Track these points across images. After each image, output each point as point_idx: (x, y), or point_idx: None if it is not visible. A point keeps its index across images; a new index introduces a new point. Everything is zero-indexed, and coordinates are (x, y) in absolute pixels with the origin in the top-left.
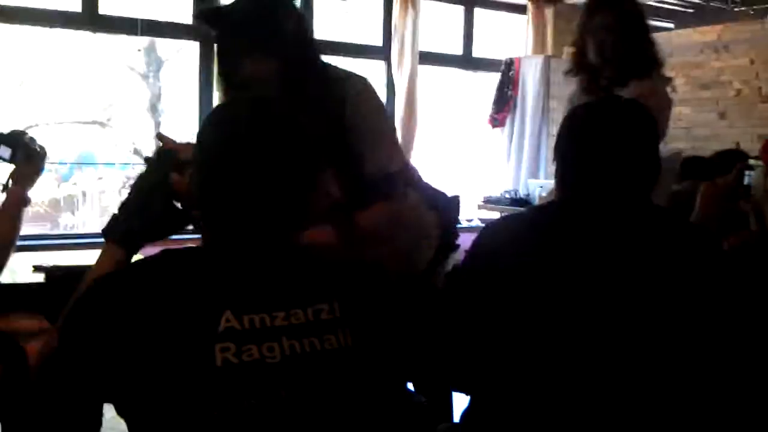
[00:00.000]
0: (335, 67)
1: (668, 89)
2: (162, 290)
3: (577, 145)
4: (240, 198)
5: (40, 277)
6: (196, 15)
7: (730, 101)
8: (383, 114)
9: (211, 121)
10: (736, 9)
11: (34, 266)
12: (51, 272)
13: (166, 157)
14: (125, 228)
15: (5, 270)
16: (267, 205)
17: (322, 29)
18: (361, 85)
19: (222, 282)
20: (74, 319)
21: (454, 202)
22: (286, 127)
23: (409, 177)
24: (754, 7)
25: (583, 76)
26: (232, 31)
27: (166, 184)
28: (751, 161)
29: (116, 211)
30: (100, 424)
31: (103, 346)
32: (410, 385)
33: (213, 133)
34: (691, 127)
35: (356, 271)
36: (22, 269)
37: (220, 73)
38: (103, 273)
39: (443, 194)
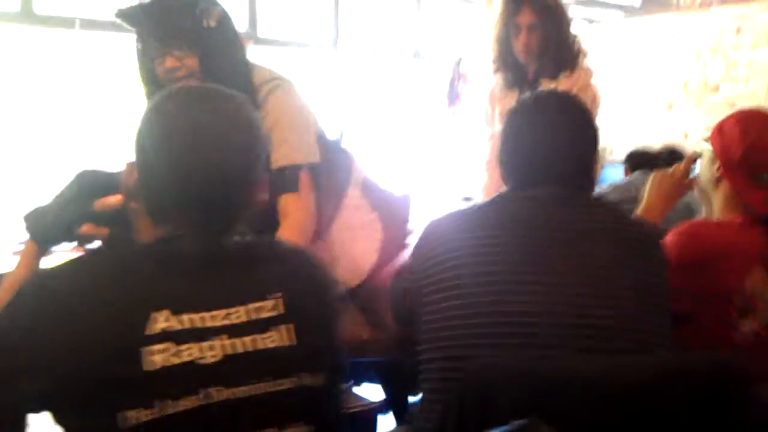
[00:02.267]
0: (261, 69)
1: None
2: (97, 290)
3: (521, 138)
4: (180, 194)
5: None
6: (117, 13)
7: (678, 92)
8: (295, 112)
9: (149, 116)
10: (682, 1)
11: None
12: None
13: (91, 178)
14: (38, 225)
15: None
16: (208, 202)
17: (269, 23)
18: (277, 85)
19: (158, 282)
20: (3, 324)
21: (404, 201)
22: (226, 119)
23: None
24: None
25: (508, 72)
26: (153, 26)
27: (83, 204)
28: (703, 143)
29: (38, 207)
30: None
31: (33, 352)
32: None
33: (151, 127)
34: (639, 117)
35: (299, 267)
36: None
37: (141, 70)
38: (21, 269)
39: (391, 194)
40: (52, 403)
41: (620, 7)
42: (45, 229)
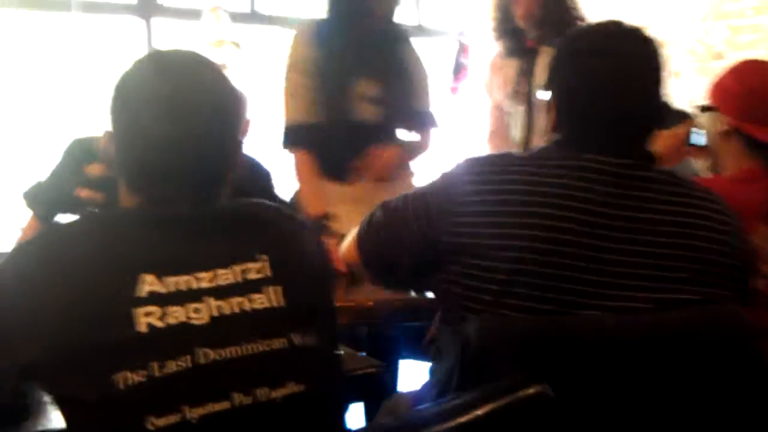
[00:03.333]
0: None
1: None
2: (82, 255)
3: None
4: (162, 156)
5: None
6: None
7: (683, 59)
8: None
9: (123, 82)
10: None
11: None
12: None
13: (78, 147)
14: (40, 201)
15: None
16: (191, 163)
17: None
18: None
19: (144, 245)
20: None
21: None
22: (202, 84)
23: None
24: None
25: (507, 38)
26: None
27: (78, 172)
28: (699, 112)
29: (38, 183)
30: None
31: (24, 317)
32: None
33: (126, 95)
34: None
35: (285, 229)
36: None
37: None
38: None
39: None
40: (43, 370)
41: None
42: (45, 203)
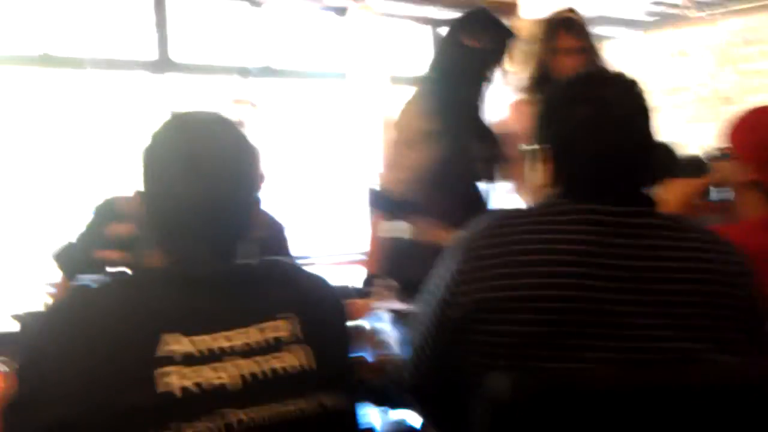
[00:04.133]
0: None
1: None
2: (108, 316)
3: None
4: (185, 215)
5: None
6: None
7: (692, 105)
8: None
9: (150, 144)
10: (691, 15)
11: (12, 315)
12: (25, 320)
13: (105, 207)
14: (71, 263)
15: None
16: (219, 222)
17: (288, 56)
18: None
19: (169, 305)
20: (26, 356)
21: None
22: (225, 144)
23: None
24: (709, 12)
25: (540, 89)
26: None
27: (99, 233)
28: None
29: (69, 244)
30: None
31: (50, 379)
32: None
33: (153, 156)
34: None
35: (311, 289)
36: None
37: None
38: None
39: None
40: (70, 430)
41: (630, 23)
42: (75, 264)
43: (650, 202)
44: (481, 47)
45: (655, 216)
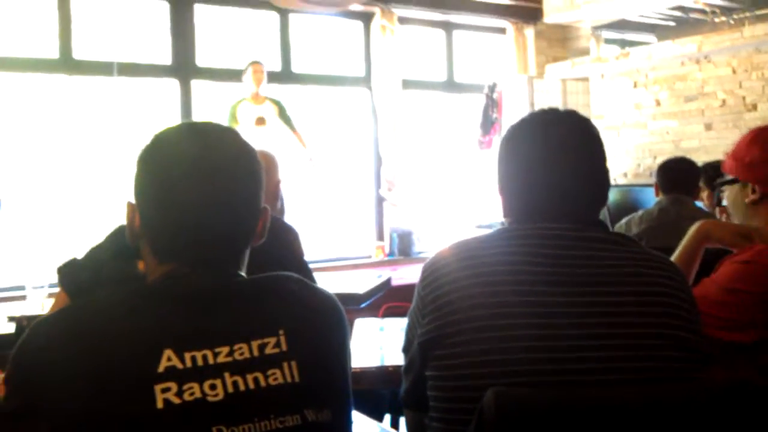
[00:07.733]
0: None
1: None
2: (108, 330)
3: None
4: (183, 232)
5: (12, 327)
6: None
7: (716, 112)
8: None
9: (148, 154)
10: (716, 20)
11: (8, 317)
12: (21, 322)
13: (120, 233)
14: (72, 279)
15: None
16: (212, 239)
17: (303, 61)
18: None
19: (163, 320)
20: (16, 366)
21: None
22: (227, 154)
23: None
24: (734, 16)
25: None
26: None
27: (123, 267)
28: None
29: (74, 259)
30: None
31: (48, 390)
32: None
33: (151, 167)
34: (678, 139)
35: (301, 303)
36: None
37: None
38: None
39: None
40: None
41: (654, 29)
42: (79, 284)
43: (596, 223)
44: None
45: (602, 232)
